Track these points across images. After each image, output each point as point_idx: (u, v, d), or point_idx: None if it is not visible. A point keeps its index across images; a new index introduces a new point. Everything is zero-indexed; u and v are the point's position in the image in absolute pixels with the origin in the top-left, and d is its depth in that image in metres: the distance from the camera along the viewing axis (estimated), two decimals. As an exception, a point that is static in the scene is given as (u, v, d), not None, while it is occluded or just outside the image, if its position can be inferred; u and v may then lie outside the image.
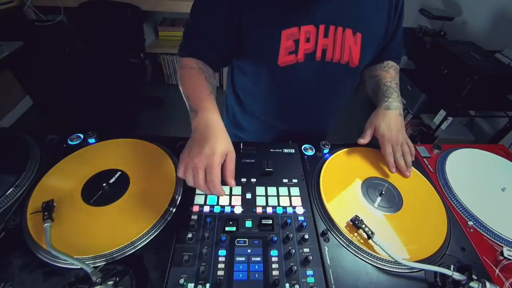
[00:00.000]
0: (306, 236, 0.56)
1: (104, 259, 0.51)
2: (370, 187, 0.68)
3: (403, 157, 0.69)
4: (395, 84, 0.77)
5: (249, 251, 0.54)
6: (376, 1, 0.67)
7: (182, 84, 0.67)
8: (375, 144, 0.81)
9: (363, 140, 0.72)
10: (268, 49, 0.65)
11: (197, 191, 0.64)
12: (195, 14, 0.66)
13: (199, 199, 0.63)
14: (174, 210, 0.60)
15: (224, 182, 0.53)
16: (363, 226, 0.56)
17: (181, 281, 0.48)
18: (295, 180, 0.69)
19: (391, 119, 0.70)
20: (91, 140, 0.74)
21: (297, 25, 0.62)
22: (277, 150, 0.77)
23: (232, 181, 0.54)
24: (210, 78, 0.68)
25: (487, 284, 0.48)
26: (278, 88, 0.75)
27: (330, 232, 0.58)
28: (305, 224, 0.59)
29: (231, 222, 0.58)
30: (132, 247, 0.53)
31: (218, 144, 0.52)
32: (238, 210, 0.61)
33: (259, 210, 0.62)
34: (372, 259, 0.55)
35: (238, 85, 0.86)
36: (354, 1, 0.64)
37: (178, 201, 0.62)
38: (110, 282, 0.46)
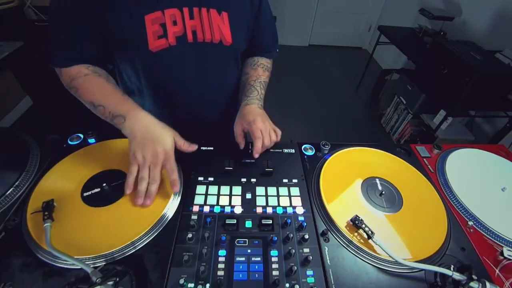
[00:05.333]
0: (306, 236, 0.56)
1: (104, 259, 0.51)
2: (370, 187, 0.68)
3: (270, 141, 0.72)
4: (258, 82, 0.81)
5: (249, 251, 0.54)
6: None
7: (85, 94, 0.65)
8: (375, 144, 0.81)
9: (242, 144, 0.73)
10: (135, 35, 0.65)
11: (197, 191, 0.64)
12: (57, 19, 0.64)
13: (199, 199, 0.63)
14: (174, 210, 0.60)
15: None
16: (363, 226, 0.56)
17: (181, 281, 0.48)
18: (295, 180, 0.69)
19: (251, 110, 0.74)
20: (91, 140, 0.74)
21: (160, 9, 0.63)
22: (277, 150, 0.77)
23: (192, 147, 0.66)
24: (109, 77, 0.69)
25: (487, 284, 0.48)
26: (158, 75, 0.74)
27: (330, 232, 0.58)
28: (305, 224, 0.59)
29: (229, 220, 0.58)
30: (132, 247, 0.53)
31: (165, 138, 0.60)
32: (238, 210, 0.61)
33: (259, 210, 0.62)
34: (372, 259, 0.55)
35: (121, 83, 0.83)
36: None
37: (178, 201, 0.62)
38: (110, 282, 0.46)
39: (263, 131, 0.70)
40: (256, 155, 0.70)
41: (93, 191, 0.62)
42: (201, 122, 0.85)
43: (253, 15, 0.77)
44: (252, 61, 0.87)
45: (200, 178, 0.67)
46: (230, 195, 0.64)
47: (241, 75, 0.88)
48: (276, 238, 0.55)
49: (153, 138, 0.59)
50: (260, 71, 0.85)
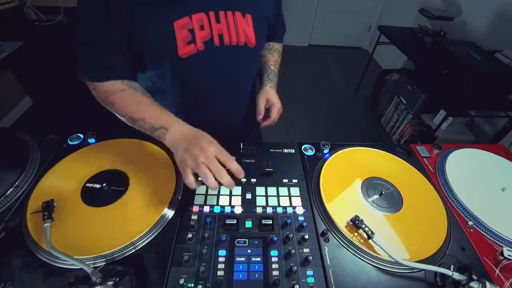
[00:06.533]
0: (306, 236, 0.56)
1: (104, 259, 0.51)
2: (370, 187, 0.68)
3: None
4: (276, 69, 0.93)
5: (249, 251, 0.54)
6: None
7: (123, 109, 0.64)
8: (375, 144, 0.81)
9: (261, 116, 0.84)
10: (165, 43, 0.64)
11: (197, 191, 0.64)
12: (88, 31, 0.61)
13: (199, 199, 0.63)
14: (174, 210, 0.60)
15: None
16: (363, 226, 0.56)
17: (181, 281, 0.48)
18: (295, 180, 0.69)
19: (274, 93, 0.89)
20: (91, 140, 0.74)
21: (187, 15, 0.63)
22: (277, 150, 0.77)
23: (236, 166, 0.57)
24: (144, 91, 0.67)
25: (487, 284, 0.48)
26: (186, 80, 0.74)
27: (330, 232, 0.58)
28: (305, 224, 0.59)
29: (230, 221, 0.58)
30: (132, 247, 0.53)
31: (207, 137, 0.58)
32: (238, 210, 0.61)
33: (259, 210, 0.62)
34: (372, 259, 0.55)
35: (143, 85, 0.80)
36: None
37: (178, 201, 0.62)
38: (110, 282, 0.46)
39: (278, 114, 0.86)
40: (261, 125, 0.87)
41: (93, 191, 0.62)
42: (222, 124, 0.86)
43: (272, 14, 0.79)
44: (269, 46, 0.94)
45: (200, 178, 0.67)
46: (230, 195, 0.64)
47: None
48: (276, 238, 0.55)
49: (196, 137, 0.57)
50: (276, 56, 0.94)
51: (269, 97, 0.86)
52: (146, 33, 0.62)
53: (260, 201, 0.64)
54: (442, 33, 2.34)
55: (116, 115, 0.66)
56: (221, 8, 0.67)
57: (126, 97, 0.64)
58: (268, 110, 0.86)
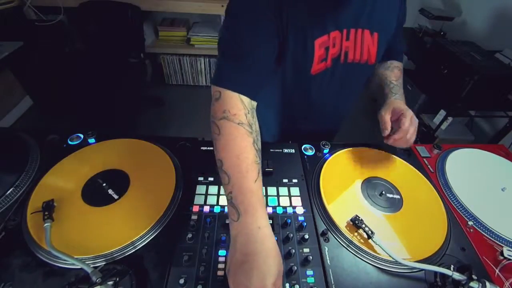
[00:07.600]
0: (306, 236, 0.56)
1: (104, 259, 0.51)
2: (370, 187, 0.68)
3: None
4: (399, 83, 0.79)
5: (249, 251, 0.54)
6: (388, 0, 0.68)
7: (222, 146, 0.52)
8: (375, 144, 0.81)
9: (387, 131, 0.68)
10: (304, 60, 0.64)
11: (197, 191, 0.64)
12: (241, 39, 0.56)
13: (199, 199, 0.63)
14: (174, 210, 0.60)
15: None
16: (363, 226, 0.56)
17: (181, 281, 0.48)
18: (295, 180, 0.69)
19: (403, 104, 0.71)
20: (91, 140, 0.74)
21: (326, 33, 0.62)
22: (277, 150, 0.77)
23: None
24: (257, 137, 0.56)
25: (487, 284, 0.48)
26: (303, 95, 0.75)
27: (330, 232, 0.58)
28: (305, 224, 0.59)
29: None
30: (132, 247, 0.53)
31: (269, 269, 0.43)
32: (238, 210, 0.61)
33: (259, 210, 0.62)
34: (372, 259, 0.55)
35: None
36: (370, 3, 0.64)
37: (178, 201, 0.62)
38: (110, 282, 0.46)
39: (411, 126, 0.67)
40: (389, 142, 0.69)
41: (93, 191, 0.62)
42: (314, 132, 0.87)
43: (395, 32, 0.75)
44: (386, 64, 0.84)
45: (200, 178, 0.67)
46: (230, 195, 0.64)
47: (373, 76, 0.85)
48: (276, 238, 0.55)
49: (253, 266, 0.43)
50: (398, 72, 0.82)
51: (395, 106, 0.70)
52: (290, 48, 0.61)
53: (260, 201, 0.64)
54: (442, 33, 2.34)
55: (212, 141, 0.54)
56: (353, 25, 0.65)
57: (235, 138, 0.52)
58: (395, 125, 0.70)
